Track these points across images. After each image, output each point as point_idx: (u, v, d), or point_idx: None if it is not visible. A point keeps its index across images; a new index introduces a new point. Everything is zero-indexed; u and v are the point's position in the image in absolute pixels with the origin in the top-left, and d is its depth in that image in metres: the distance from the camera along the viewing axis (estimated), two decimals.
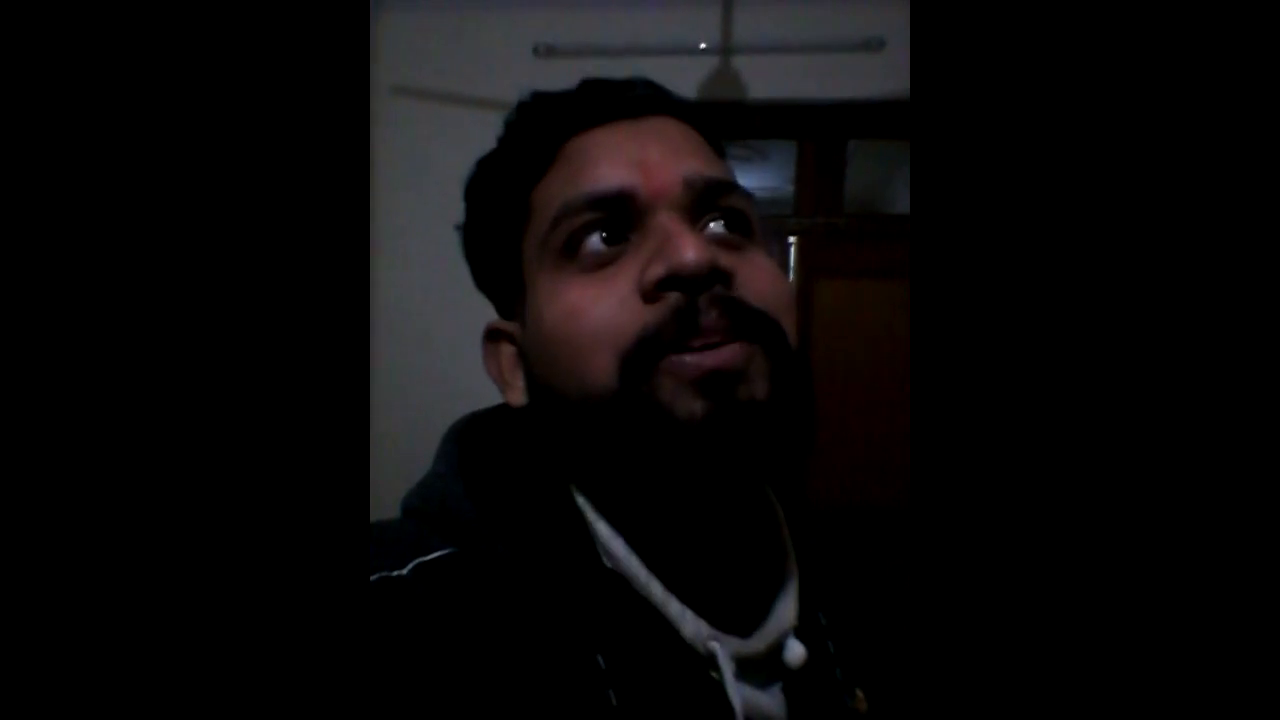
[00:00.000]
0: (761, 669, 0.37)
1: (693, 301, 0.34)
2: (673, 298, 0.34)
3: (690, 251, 0.33)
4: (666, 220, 0.35)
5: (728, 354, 0.33)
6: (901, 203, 2.63)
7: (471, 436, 0.41)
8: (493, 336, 0.43)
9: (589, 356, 0.35)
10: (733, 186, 0.38)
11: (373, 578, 0.34)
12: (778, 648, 0.38)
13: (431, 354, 1.76)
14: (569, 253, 0.37)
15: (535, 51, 1.70)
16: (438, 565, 0.35)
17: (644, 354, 0.34)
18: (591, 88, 0.40)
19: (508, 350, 0.42)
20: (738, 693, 0.35)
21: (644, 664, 0.34)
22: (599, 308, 0.35)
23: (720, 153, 0.43)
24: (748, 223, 0.38)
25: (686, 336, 0.33)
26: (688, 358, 0.33)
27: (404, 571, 0.34)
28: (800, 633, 0.39)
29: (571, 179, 0.38)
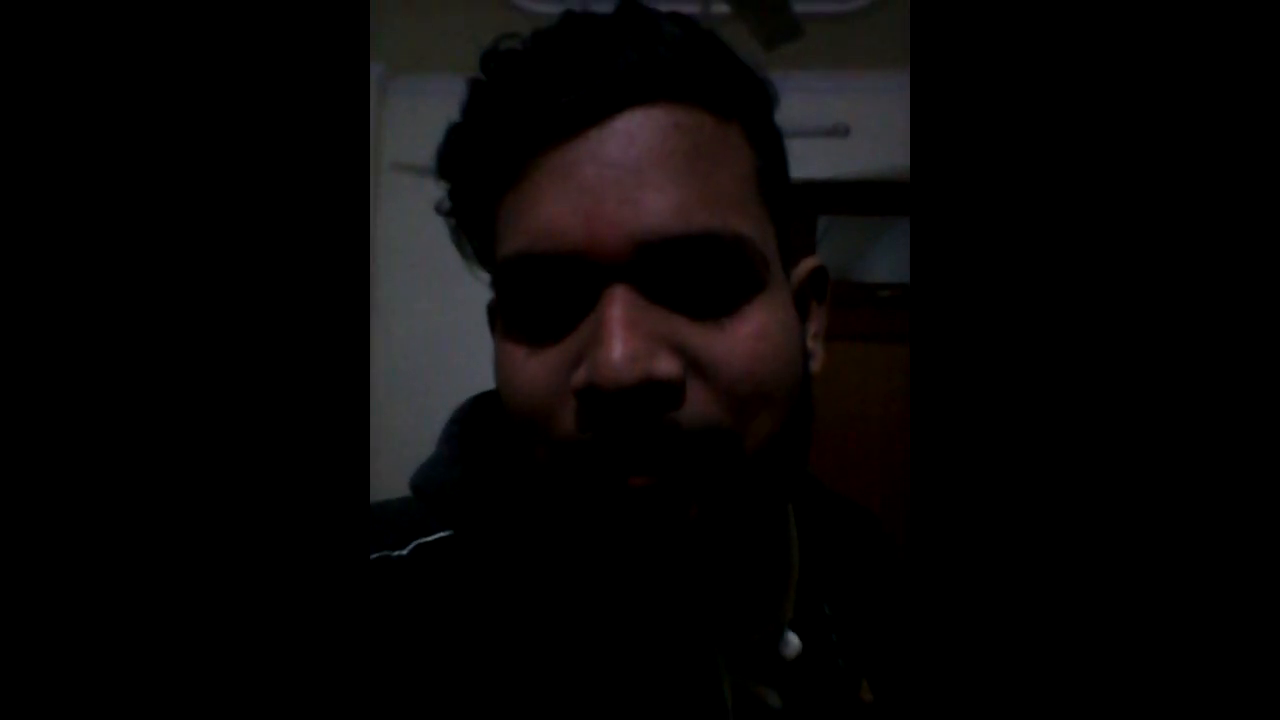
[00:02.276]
0: (758, 660, 0.36)
1: (613, 433, 0.28)
2: (592, 412, 0.28)
3: (614, 363, 0.27)
4: (608, 303, 0.28)
5: (653, 485, 0.28)
6: (873, 273, 2.79)
7: (474, 419, 0.39)
8: (494, 316, 0.38)
9: (526, 435, 0.32)
10: (715, 239, 0.29)
11: (373, 556, 0.33)
12: (774, 640, 0.36)
13: (424, 404, 1.81)
14: (514, 306, 0.31)
15: None
16: (436, 547, 0.34)
17: (571, 465, 0.30)
18: (551, 79, 0.30)
19: None
20: (730, 683, 0.34)
21: (634, 660, 0.33)
22: (534, 393, 0.30)
23: (756, 126, 0.33)
24: (744, 273, 0.30)
25: (611, 468, 0.29)
26: (612, 482, 0.29)
27: (404, 552, 0.34)
28: (801, 624, 0.37)
29: (519, 219, 0.30)
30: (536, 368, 0.30)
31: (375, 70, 2.01)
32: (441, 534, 0.35)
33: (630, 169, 0.29)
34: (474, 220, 0.34)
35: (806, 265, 0.38)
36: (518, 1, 1.75)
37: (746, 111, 0.33)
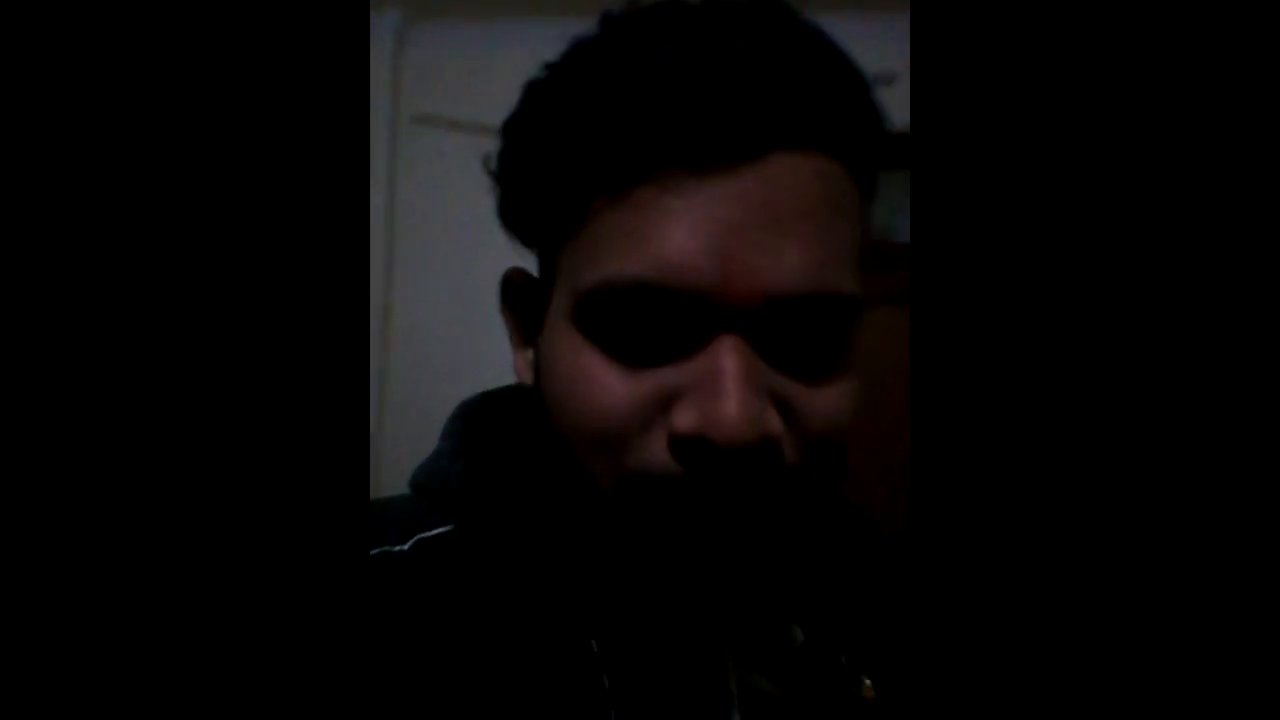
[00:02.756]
0: (762, 651, 0.36)
1: (715, 476, 0.28)
2: (694, 457, 0.28)
3: (731, 420, 0.27)
4: (725, 352, 0.28)
5: (729, 518, 0.29)
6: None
7: (479, 415, 0.38)
8: (508, 290, 0.37)
9: (592, 454, 0.31)
10: (837, 300, 0.29)
11: (374, 551, 0.33)
12: (779, 631, 0.36)
13: (446, 373, 1.77)
14: (602, 323, 0.30)
15: None
16: (437, 542, 0.34)
17: (647, 494, 0.30)
18: (694, 98, 0.27)
19: (521, 308, 0.37)
20: (735, 673, 0.34)
21: (639, 647, 0.33)
22: (617, 415, 0.29)
23: (867, 190, 0.33)
24: (847, 334, 0.30)
25: (697, 504, 0.29)
26: (687, 521, 0.30)
27: (405, 547, 0.34)
28: (803, 617, 0.37)
29: (633, 242, 0.28)
30: (622, 389, 0.29)
31: (392, 18, 1.92)
32: (442, 529, 0.35)
33: (773, 217, 0.28)
34: (544, 198, 0.32)
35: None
36: None
37: (869, 175, 0.32)
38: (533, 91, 0.32)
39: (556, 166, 0.31)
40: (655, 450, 0.29)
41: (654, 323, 0.29)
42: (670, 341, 0.29)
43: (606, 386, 0.29)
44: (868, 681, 0.38)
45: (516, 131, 0.33)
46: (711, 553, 0.30)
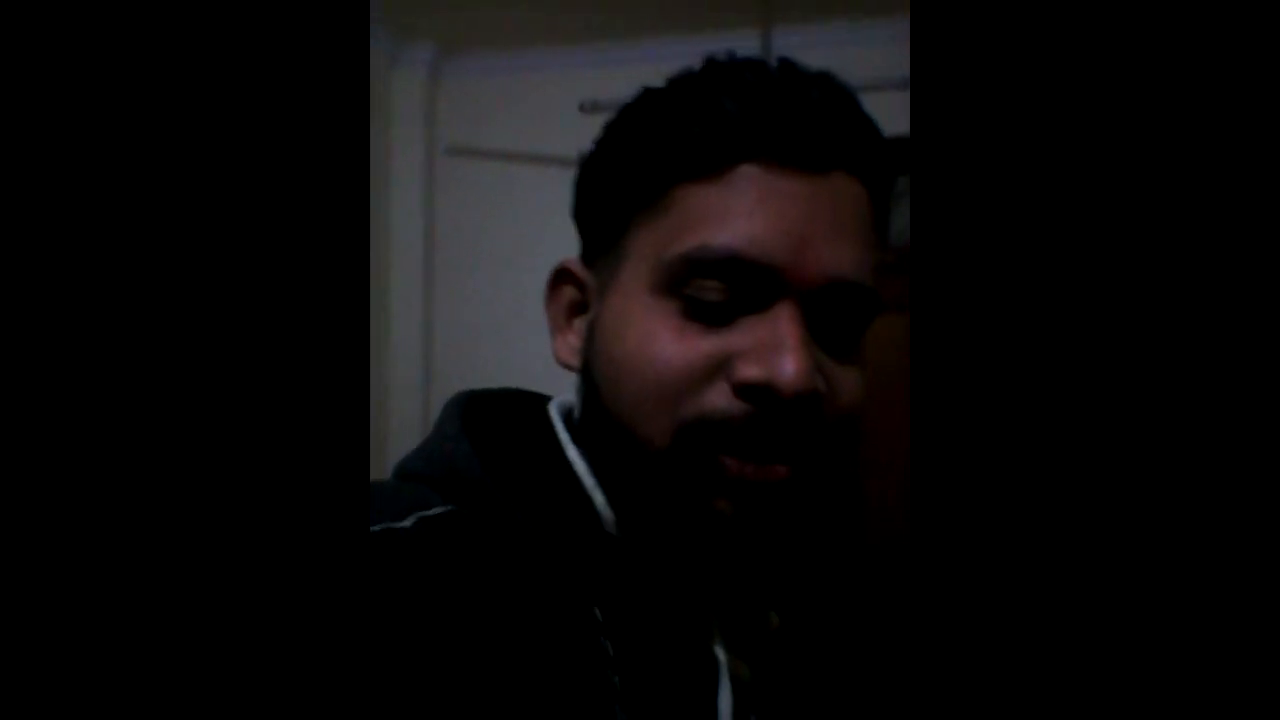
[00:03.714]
0: (747, 635, 0.40)
1: (772, 418, 0.33)
2: (755, 402, 0.33)
3: (793, 371, 0.32)
4: (787, 318, 0.33)
5: (774, 473, 0.34)
6: None
7: (474, 406, 0.41)
8: (562, 277, 0.41)
9: (651, 408, 0.35)
10: (870, 298, 0.36)
11: (374, 528, 0.34)
12: (762, 612, 0.41)
13: (483, 382, 1.81)
14: (679, 287, 0.34)
15: (581, 108, 1.77)
16: (440, 520, 0.35)
17: (702, 438, 0.34)
18: (783, 110, 0.34)
19: (571, 294, 0.41)
20: (723, 651, 0.38)
21: (638, 624, 0.36)
22: (685, 365, 0.34)
23: (883, 216, 0.39)
24: (862, 330, 0.37)
25: (750, 446, 0.33)
26: (733, 463, 0.33)
27: (406, 524, 0.35)
28: (779, 604, 0.42)
29: (724, 217, 0.34)
30: (691, 346, 0.34)
31: (426, 51, 1.98)
32: (443, 509, 0.36)
33: (835, 217, 0.35)
34: (630, 187, 0.37)
35: None
36: None
37: (884, 209, 0.39)
38: (632, 103, 0.39)
39: (647, 154, 0.37)
40: (716, 397, 0.34)
41: (730, 285, 0.34)
42: (739, 303, 0.34)
43: (678, 342, 0.34)
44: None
45: (615, 130, 0.39)
46: (751, 508, 0.34)
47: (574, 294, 0.40)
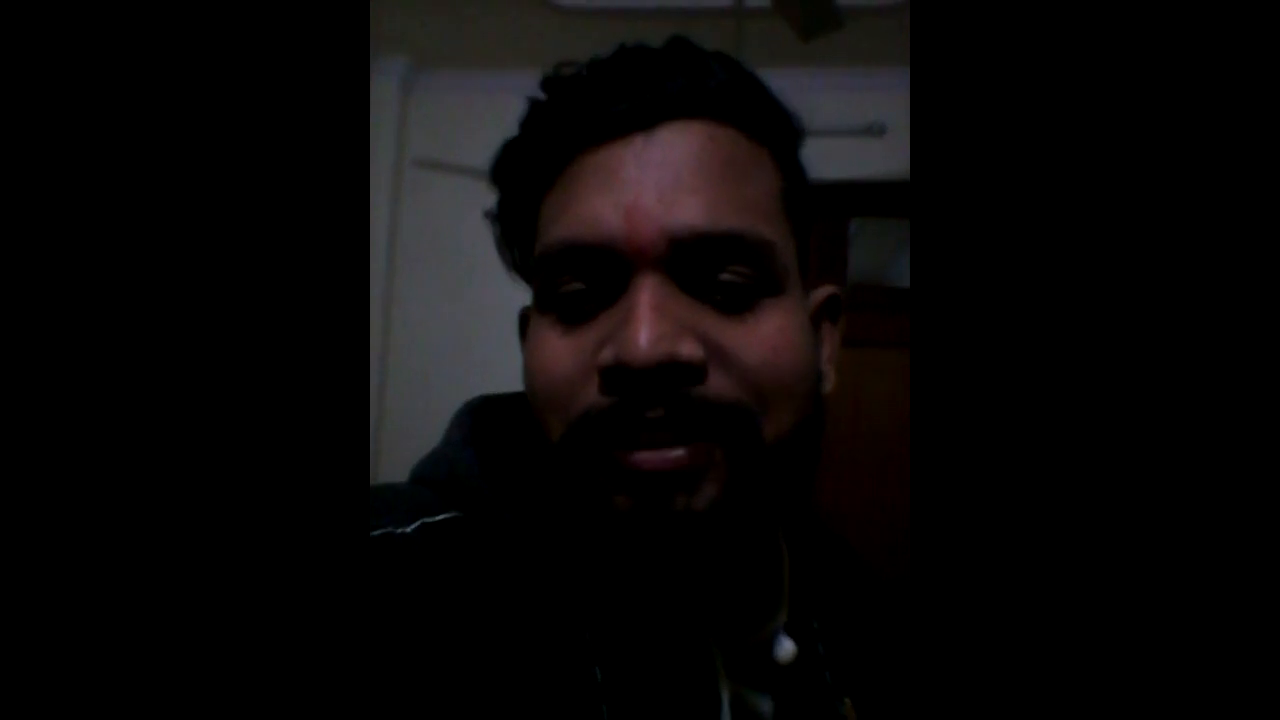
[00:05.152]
0: (752, 665, 0.37)
1: (636, 401, 0.30)
2: (617, 389, 0.31)
3: (641, 343, 0.30)
4: (640, 289, 0.31)
5: (669, 459, 0.30)
6: (904, 277, 2.71)
7: (484, 412, 0.41)
8: (522, 319, 0.41)
9: (546, 414, 0.34)
10: (736, 243, 0.32)
11: (376, 533, 0.33)
12: (768, 643, 0.37)
13: (441, 392, 1.80)
14: (551, 293, 0.34)
15: None
16: (442, 527, 0.35)
17: (588, 434, 0.32)
18: (603, 91, 0.33)
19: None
20: (727, 684, 0.35)
21: (634, 648, 0.34)
22: (561, 370, 0.33)
23: (784, 155, 0.37)
24: (766, 275, 0.33)
25: (628, 435, 0.31)
26: (627, 455, 0.31)
27: (409, 529, 0.34)
28: (793, 633, 0.38)
29: (561, 212, 0.33)
30: (565, 347, 0.33)
31: (400, 65, 1.99)
32: (447, 515, 0.35)
33: (669, 172, 0.32)
34: (518, 222, 0.37)
35: (824, 291, 0.40)
36: None
37: (777, 140, 0.37)
38: (505, 143, 0.39)
39: (516, 183, 0.37)
40: (590, 392, 0.32)
41: (584, 278, 0.33)
42: (600, 294, 0.33)
43: (554, 346, 0.33)
44: (849, 702, 0.39)
45: (495, 176, 0.39)
46: (649, 497, 0.31)
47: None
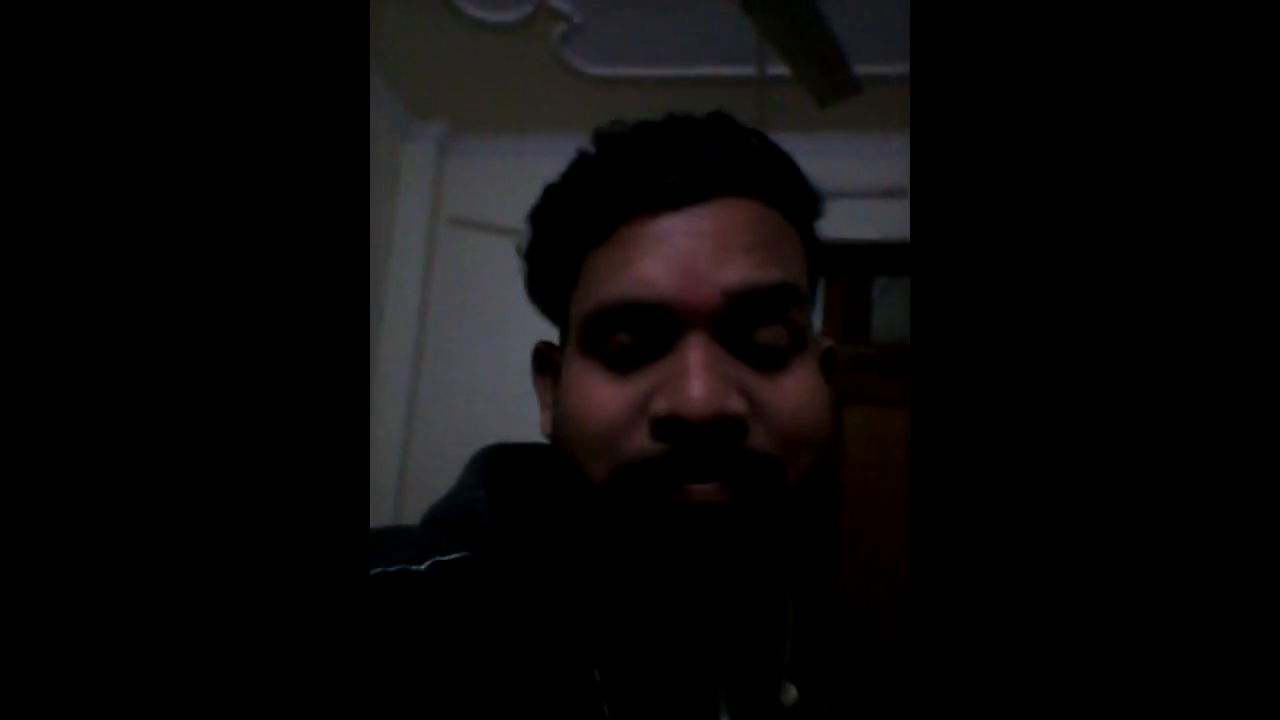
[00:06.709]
0: (753, 706, 0.38)
1: (687, 449, 0.33)
2: (670, 438, 0.33)
3: (696, 396, 0.32)
4: (691, 346, 0.34)
5: (716, 492, 0.33)
6: None
7: (499, 457, 0.43)
8: (539, 358, 0.43)
9: (590, 458, 0.35)
10: (784, 294, 0.36)
11: (393, 569, 0.35)
12: (770, 686, 0.39)
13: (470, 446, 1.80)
14: (598, 343, 0.36)
15: None
16: (454, 566, 0.36)
17: (641, 477, 0.34)
18: (656, 161, 0.36)
19: (550, 371, 0.42)
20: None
21: (640, 686, 0.35)
22: (608, 415, 0.35)
23: (807, 231, 0.40)
24: (796, 334, 0.36)
25: (678, 480, 0.33)
26: (674, 496, 0.33)
27: (421, 567, 0.35)
28: (796, 678, 0.40)
29: (615, 271, 0.36)
30: (613, 394, 0.35)
31: (437, 129, 2.07)
32: (459, 554, 0.37)
33: (719, 240, 0.36)
34: (556, 268, 0.40)
35: (822, 345, 0.43)
36: (580, 68, 1.79)
37: (804, 218, 0.41)
38: (548, 187, 0.42)
39: (559, 232, 0.40)
40: (640, 438, 0.34)
41: (635, 333, 0.35)
42: (649, 347, 0.35)
43: (602, 393, 0.36)
44: None
45: (534, 218, 0.42)
46: (696, 530, 0.33)
47: (551, 371, 0.43)
